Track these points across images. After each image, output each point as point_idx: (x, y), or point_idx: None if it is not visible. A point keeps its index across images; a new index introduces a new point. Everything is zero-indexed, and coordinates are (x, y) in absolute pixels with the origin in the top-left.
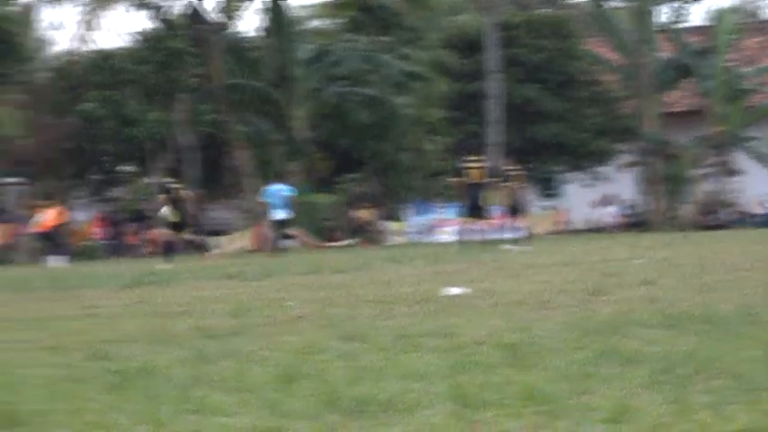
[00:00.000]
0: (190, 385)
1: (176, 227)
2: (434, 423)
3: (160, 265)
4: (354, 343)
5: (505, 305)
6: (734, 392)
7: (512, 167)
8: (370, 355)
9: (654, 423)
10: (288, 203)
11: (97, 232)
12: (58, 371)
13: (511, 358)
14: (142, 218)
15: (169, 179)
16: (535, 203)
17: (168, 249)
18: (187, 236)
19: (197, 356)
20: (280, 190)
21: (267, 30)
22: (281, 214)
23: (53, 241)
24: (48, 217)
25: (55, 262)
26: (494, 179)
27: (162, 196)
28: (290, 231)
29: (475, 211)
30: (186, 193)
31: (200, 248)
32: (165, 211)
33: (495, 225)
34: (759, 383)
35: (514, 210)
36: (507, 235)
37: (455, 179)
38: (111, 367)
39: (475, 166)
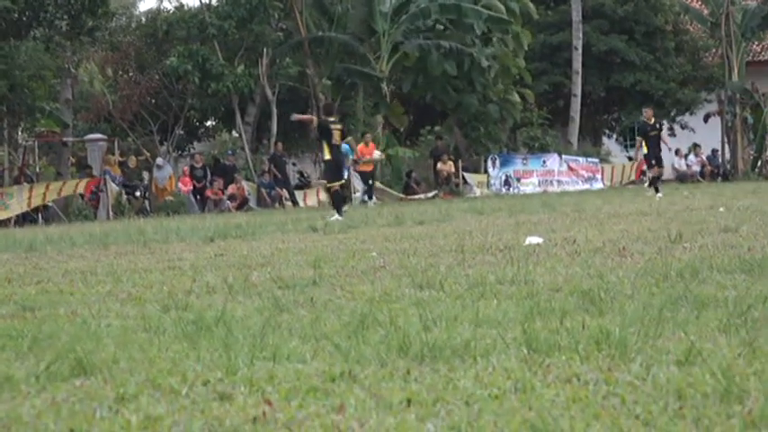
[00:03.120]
0: (265, 333)
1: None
2: (507, 367)
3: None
4: (431, 291)
5: (584, 253)
6: None
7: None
8: (446, 303)
9: (725, 365)
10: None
11: (181, 187)
12: (134, 321)
13: (586, 304)
14: (226, 172)
15: None
16: (619, 154)
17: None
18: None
19: (274, 306)
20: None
21: None
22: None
23: (369, 182)
24: (371, 153)
25: (372, 204)
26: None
27: None
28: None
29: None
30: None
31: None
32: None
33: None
34: None
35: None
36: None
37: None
38: (187, 317)
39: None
